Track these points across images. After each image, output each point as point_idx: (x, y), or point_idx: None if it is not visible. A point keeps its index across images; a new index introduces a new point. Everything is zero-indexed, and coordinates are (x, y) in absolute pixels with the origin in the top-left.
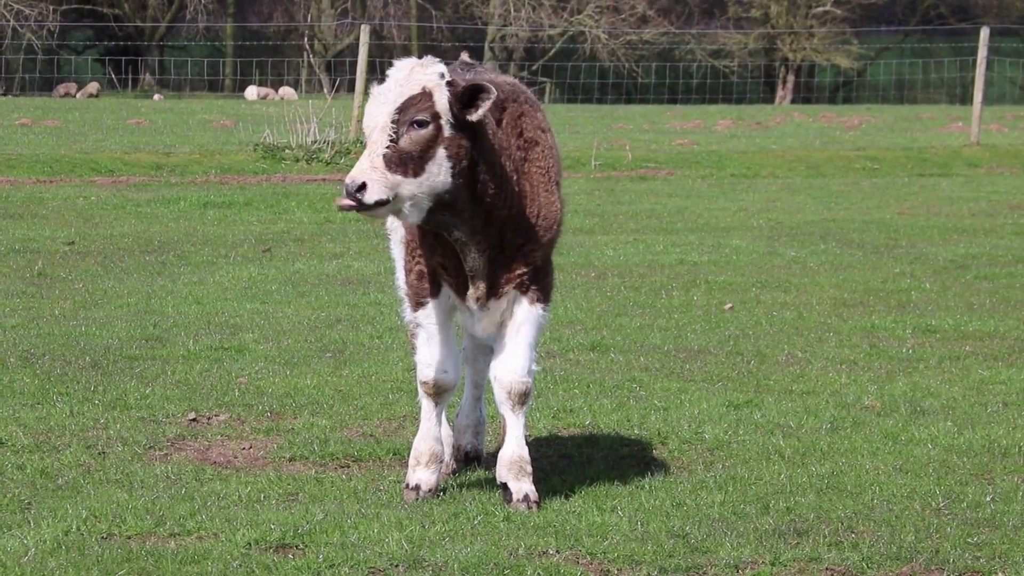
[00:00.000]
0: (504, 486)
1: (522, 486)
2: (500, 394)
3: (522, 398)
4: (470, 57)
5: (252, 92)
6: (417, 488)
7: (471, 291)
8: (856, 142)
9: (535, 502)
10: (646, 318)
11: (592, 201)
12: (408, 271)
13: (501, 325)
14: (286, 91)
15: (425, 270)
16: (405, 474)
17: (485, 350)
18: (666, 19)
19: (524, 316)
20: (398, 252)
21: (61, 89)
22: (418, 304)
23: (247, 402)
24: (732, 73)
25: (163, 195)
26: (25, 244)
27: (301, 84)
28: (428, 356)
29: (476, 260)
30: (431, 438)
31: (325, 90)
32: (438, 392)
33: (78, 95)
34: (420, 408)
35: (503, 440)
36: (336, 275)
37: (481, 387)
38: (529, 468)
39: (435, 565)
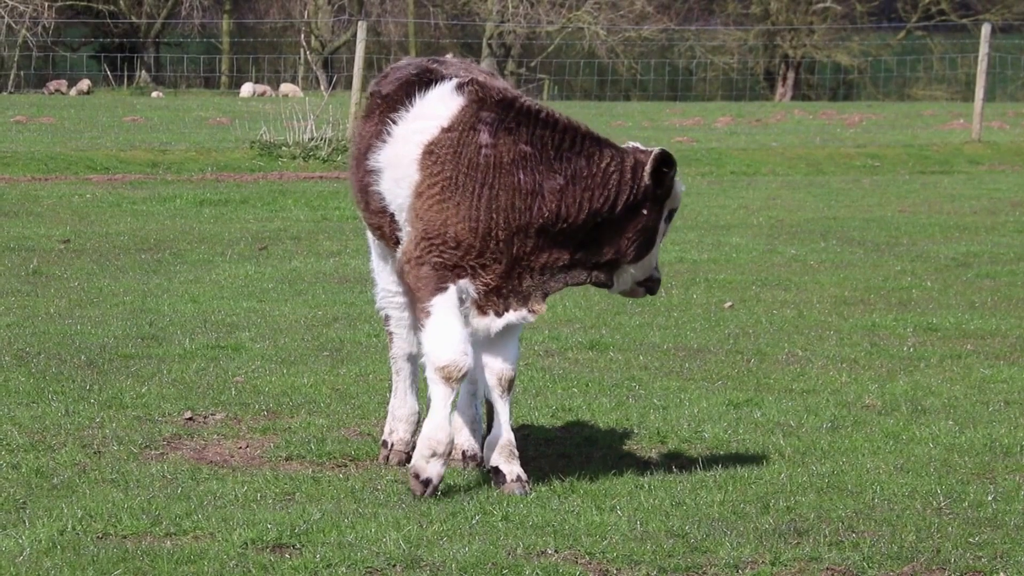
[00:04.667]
0: (496, 470)
1: (513, 468)
2: (491, 380)
3: (510, 384)
4: (458, 55)
5: (248, 89)
6: (428, 482)
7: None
8: (857, 139)
9: (527, 482)
10: (645, 316)
11: None
12: (421, 263)
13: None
14: (289, 88)
15: (444, 262)
16: (411, 465)
17: (478, 347)
18: (665, 15)
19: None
20: (378, 266)
21: (52, 86)
22: (438, 289)
23: (243, 401)
24: (732, 70)
25: (159, 193)
26: (20, 242)
27: (298, 81)
28: (448, 339)
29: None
30: (446, 426)
31: (322, 87)
32: (458, 376)
33: (71, 92)
34: (430, 397)
35: (492, 426)
36: (333, 273)
37: (475, 383)
38: (516, 452)
39: (433, 565)
